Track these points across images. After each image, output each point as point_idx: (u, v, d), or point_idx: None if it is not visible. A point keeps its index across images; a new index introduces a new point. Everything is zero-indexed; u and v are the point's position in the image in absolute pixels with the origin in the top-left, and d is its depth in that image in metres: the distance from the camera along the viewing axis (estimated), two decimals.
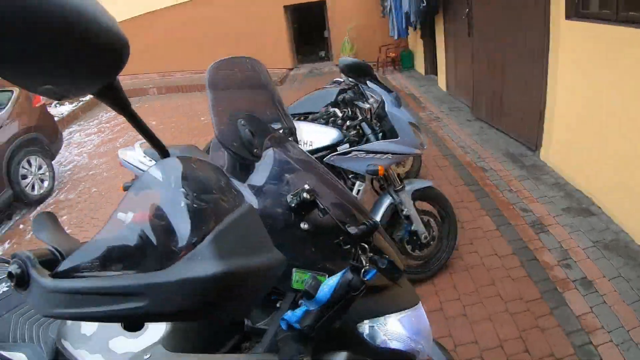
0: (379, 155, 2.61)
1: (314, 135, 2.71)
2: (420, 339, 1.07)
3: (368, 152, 2.62)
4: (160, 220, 0.63)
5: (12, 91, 5.83)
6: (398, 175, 2.79)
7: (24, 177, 5.62)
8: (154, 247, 0.61)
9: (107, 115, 8.79)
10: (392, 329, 1.02)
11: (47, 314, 0.61)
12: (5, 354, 1.43)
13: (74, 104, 9.73)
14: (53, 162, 6.22)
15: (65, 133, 7.62)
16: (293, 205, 0.90)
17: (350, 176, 2.74)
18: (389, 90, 2.82)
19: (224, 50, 9.17)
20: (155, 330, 1.00)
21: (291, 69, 11.37)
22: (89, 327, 1.06)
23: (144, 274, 0.58)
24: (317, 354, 0.86)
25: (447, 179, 4.42)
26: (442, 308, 2.70)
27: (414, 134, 2.75)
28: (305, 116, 3.10)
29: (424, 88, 8.40)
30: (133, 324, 0.65)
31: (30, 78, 0.55)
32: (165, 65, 10.53)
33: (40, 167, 5.88)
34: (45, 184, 5.94)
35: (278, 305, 0.94)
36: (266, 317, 0.96)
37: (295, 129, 1.36)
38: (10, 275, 0.61)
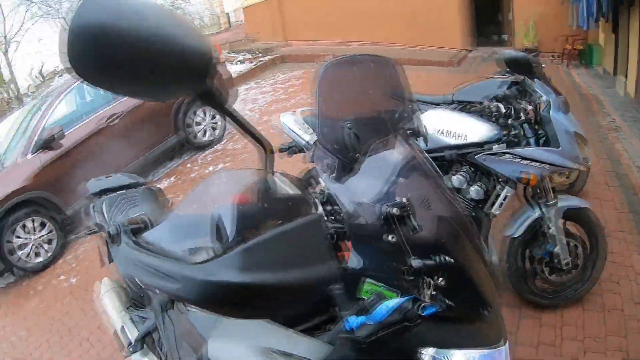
0: (534, 163, 2.41)
1: (469, 129, 2.57)
2: None
3: (523, 157, 2.43)
4: (219, 219, 0.76)
5: None
6: (553, 187, 2.57)
7: (198, 123, 6.51)
8: (209, 240, 0.76)
9: (283, 76, 9.35)
10: None
11: (122, 272, 0.81)
12: None
13: (253, 63, 10.49)
14: None
15: (241, 89, 8.33)
16: (383, 215, 0.89)
17: (500, 179, 2.55)
18: (557, 93, 2.57)
19: (401, 24, 9.09)
20: None
21: (470, 51, 10.81)
22: None
23: (184, 265, 0.71)
24: None
25: (613, 201, 3.90)
26: (560, 344, 2.47)
27: (578, 147, 2.50)
28: (469, 105, 2.93)
29: (610, 90, 7.41)
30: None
31: (138, 93, 0.75)
32: (344, 35, 10.68)
33: (213, 117, 6.70)
34: (216, 132, 6.78)
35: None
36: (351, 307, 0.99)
37: (424, 132, 1.29)
38: (108, 234, 0.81)
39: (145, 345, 2.02)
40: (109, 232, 0.83)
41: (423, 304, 0.82)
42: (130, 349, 2.00)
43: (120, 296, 2.37)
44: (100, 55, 0.63)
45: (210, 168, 6.05)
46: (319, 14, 11.26)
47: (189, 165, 6.34)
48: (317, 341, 0.95)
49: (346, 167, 1.02)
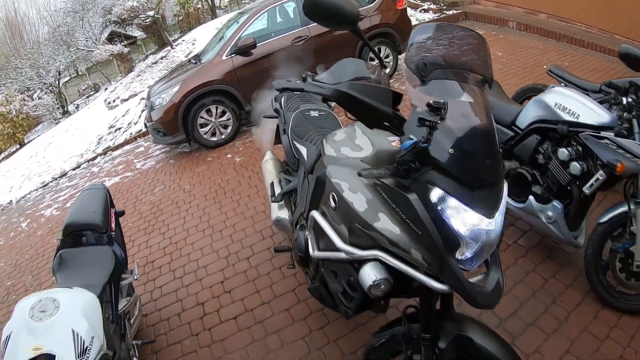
0: (629, 155, 2.39)
1: (585, 110, 2.66)
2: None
3: (621, 147, 2.42)
4: (348, 84, 1.52)
5: None
6: None
7: (371, 59, 7.01)
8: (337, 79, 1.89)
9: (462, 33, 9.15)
10: (454, 212, 1.39)
11: (277, 88, 2.00)
12: (297, 143, 2.70)
13: (436, 14, 10.54)
14: (399, 57, 7.51)
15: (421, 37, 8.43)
16: (427, 103, 1.43)
17: (598, 162, 2.58)
18: None
19: (596, 4, 8.04)
20: (364, 153, 1.84)
21: None
22: (341, 135, 2.02)
23: (328, 85, 1.55)
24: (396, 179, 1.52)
25: None
26: (603, 342, 2.51)
27: None
28: (606, 94, 2.96)
29: None
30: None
31: (321, 24, 1.55)
32: (533, 3, 10.07)
33: (387, 57, 7.36)
34: (386, 70, 7.19)
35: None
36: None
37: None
38: (302, 77, 2.55)
39: (283, 200, 2.90)
40: (302, 75, 2.20)
41: (417, 141, 1.39)
42: (273, 199, 2.91)
43: (276, 164, 3.36)
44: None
45: None
46: None
47: None
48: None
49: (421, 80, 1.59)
